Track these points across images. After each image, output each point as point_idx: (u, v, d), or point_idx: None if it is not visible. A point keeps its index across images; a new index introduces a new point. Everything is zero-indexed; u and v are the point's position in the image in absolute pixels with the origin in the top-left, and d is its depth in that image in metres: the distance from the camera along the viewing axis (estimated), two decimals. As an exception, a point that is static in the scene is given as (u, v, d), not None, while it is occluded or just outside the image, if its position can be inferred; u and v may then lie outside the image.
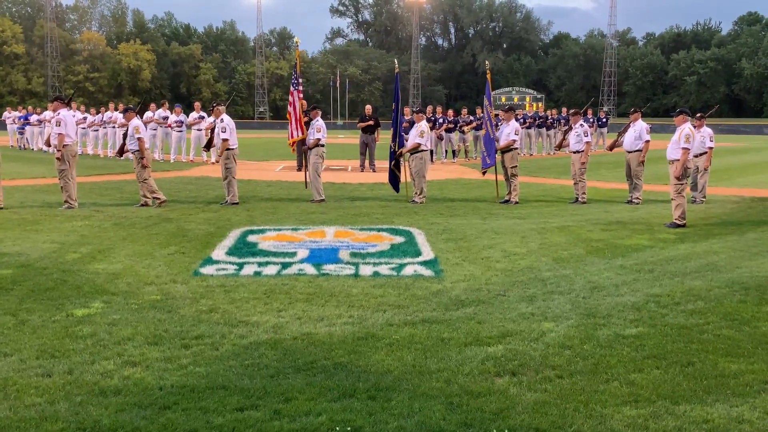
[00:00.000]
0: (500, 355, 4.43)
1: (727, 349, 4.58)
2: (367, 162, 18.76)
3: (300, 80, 13.09)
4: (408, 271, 6.78)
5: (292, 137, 12.80)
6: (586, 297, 5.84)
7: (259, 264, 7.01)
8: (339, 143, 34.68)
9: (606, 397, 3.81)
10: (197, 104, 21.48)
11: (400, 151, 12.49)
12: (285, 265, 6.94)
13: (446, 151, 22.64)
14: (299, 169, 18.18)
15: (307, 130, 12.45)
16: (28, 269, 6.64)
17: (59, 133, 10.77)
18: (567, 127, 13.27)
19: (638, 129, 12.15)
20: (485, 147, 12.98)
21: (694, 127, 12.64)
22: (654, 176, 15.27)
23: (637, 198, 12.02)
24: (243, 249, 7.79)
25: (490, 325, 5.05)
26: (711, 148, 12.42)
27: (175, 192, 13.15)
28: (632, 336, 4.83)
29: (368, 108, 19.70)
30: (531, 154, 25.48)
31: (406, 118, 21.35)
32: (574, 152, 12.28)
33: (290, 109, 12.80)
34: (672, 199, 9.70)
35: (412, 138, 12.24)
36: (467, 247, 7.98)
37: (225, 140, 11.32)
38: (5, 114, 29.72)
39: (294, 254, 7.51)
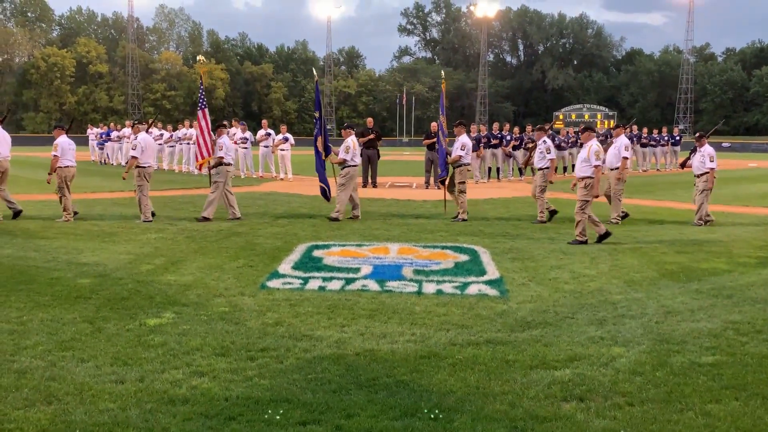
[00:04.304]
0: (567, 379, 4.30)
1: (814, 382, 4.30)
2: (432, 179, 18.75)
3: (204, 99, 12.69)
4: (472, 290, 6.70)
5: (199, 159, 12.45)
6: (659, 322, 5.61)
7: (324, 279, 7.08)
8: (404, 160, 34.79)
9: (680, 427, 3.63)
10: (264, 122, 22.06)
11: (327, 158, 12.41)
12: (349, 281, 6.99)
13: (512, 169, 22.36)
14: (364, 186, 18.41)
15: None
16: (105, 279, 6.94)
17: None
18: (532, 145, 13.04)
19: (618, 145, 12.06)
20: (438, 158, 12.99)
21: (695, 147, 12.10)
22: (733, 197, 14.61)
23: (615, 218, 11.74)
24: (308, 264, 7.89)
25: (557, 348, 4.92)
26: (713, 168, 11.69)
27: (245, 207, 13.48)
28: (709, 364, 4.59)
29: (434, 125, 19.67)
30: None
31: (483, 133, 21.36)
32: (539, 169, 12.03)
33: (197, 130, 12.47)
34: (576, 215, 9.67)
35: (340, 153, 12.19)
36: (534, 268, 7.82)
37: (134, 158, 11.47)
38: (88, 131, 31.39)
39: (358, 270, 7.56)
